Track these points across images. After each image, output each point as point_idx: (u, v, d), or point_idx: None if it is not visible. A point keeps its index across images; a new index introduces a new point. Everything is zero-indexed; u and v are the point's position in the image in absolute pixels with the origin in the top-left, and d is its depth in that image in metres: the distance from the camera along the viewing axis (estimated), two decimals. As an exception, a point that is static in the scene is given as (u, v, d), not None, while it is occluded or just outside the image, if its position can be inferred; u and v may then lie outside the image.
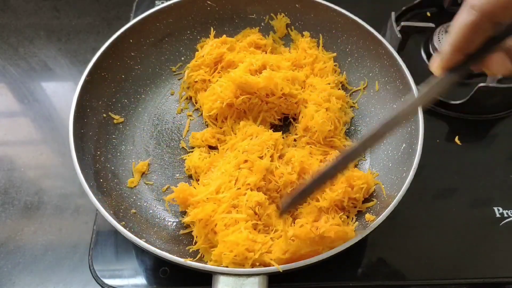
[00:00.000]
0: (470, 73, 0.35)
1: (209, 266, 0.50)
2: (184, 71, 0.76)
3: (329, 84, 0.71)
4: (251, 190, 0.57)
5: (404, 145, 0.63)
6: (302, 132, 0.67)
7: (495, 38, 0.33)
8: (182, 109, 0.73)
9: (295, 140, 0.68)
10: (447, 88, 0.37)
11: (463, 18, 0.32)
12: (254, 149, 0.61)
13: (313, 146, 0.66)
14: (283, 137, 0.66)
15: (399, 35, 0.75)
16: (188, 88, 0.75)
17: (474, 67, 0.36)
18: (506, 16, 0.31)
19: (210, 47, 0.73)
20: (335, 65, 0.75)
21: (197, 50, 0.77)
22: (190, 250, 0.57)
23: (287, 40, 0.80)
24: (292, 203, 0.51)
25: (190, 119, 0.72)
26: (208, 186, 0.58)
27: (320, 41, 0.76)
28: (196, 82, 0.73)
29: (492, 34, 0.33)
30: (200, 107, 0.72)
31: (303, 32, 0.78)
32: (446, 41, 0.34)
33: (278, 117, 0.70)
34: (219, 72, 0.73)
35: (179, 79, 0.76)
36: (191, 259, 0.51)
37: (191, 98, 0.74)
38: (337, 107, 0.68)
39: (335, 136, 0.67)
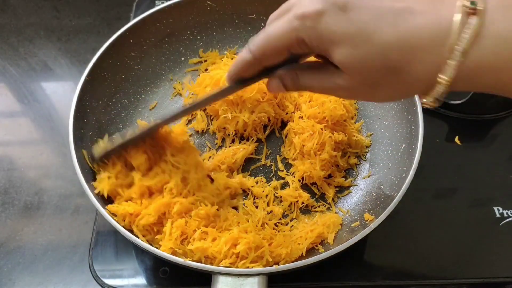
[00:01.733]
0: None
1: (208, 266, 0.50)
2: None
3: None
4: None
5: (404, 145, 0.63)
6: (306, 118, 0.66)
7: (269, 69, 0.42)
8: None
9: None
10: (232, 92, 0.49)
11: (242, 55, 0.42)
12: None
13: (316, 125, 0.64)
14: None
15: (399, 35, 0.75)
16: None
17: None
18: (270, 62, 0.41)
19: None
20: None
21: (198, 51, 0.77)
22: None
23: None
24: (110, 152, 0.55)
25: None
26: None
27: None
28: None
29: (264, 67, 0.43)
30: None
31: None
32: (230, 69, 0.45)
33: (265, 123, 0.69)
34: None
35: (177, 81, 0.76)
36: (191, 259, 0.51)
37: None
38: None
39: (348, 120, 0.67)
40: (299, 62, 0.43)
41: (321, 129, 0.64)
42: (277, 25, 0.38)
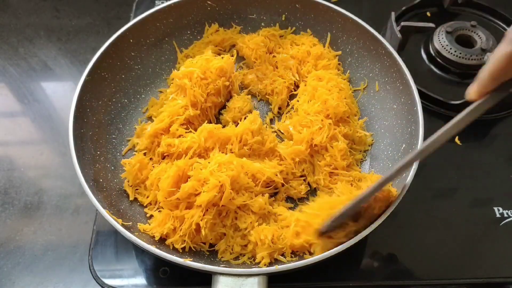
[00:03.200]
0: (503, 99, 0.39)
1: (208, 267, 0.50)
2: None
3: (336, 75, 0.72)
4: None
5: (404, 145, 0.63)
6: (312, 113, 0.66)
7: None
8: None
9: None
10: (483, 111, 0.39)
11: (502, 49, 0.34)
12: None
13: (325, 120, 0.65)
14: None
15: (399, 35, 0.74)
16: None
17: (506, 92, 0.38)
18: None
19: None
20: (338, 64, 0.75)
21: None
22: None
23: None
24: (332, 224, 0.50)
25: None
26: None
27: (328, 39, 0.76)
28: None
29: None
30: None
31: (301, 32, 0.78)
32: (484, 70, 0.37)
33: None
34: None
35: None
36: (191, 259, 0.51)
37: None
38: (349, 92, 0.69)
39: (351, 117, 0.67)
40: None
41: (329, 123, 0.64)
42: None
